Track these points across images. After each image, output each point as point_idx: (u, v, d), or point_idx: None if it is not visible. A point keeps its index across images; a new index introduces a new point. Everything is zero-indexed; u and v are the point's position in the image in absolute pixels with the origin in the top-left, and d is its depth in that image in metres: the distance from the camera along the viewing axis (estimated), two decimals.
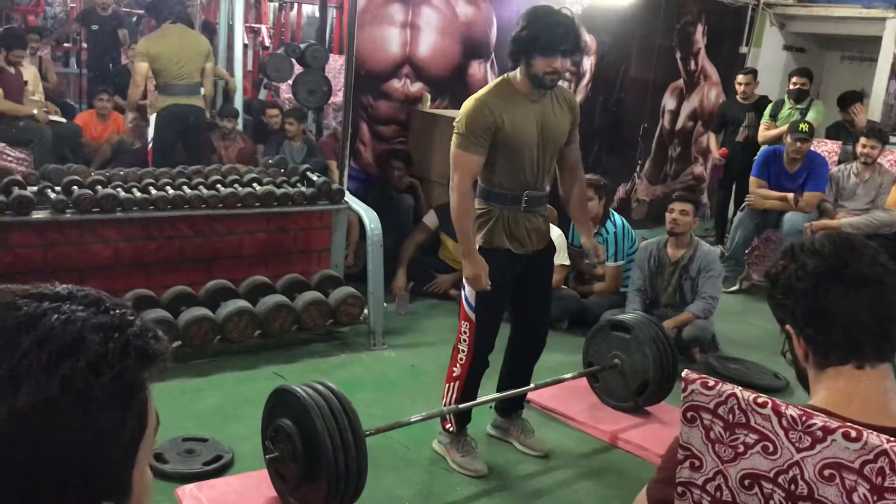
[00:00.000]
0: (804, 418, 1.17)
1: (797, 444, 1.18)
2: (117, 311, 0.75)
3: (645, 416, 3.94)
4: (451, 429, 3.45)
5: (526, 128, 3.17)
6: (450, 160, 3.20)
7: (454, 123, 3.20)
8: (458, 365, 3.38)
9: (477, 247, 3.24)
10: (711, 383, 1.27)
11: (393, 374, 4.36)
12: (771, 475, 1.21)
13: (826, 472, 1.15)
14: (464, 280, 3.33)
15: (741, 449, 1.24)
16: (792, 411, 1.19)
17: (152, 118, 5.78)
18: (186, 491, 3.02)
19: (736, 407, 1.24)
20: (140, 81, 5.74)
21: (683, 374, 1.31)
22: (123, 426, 0.72)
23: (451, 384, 3.40)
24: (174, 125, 5.69)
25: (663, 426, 3.83)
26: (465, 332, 3.33)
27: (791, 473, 1.19)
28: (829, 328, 1.28)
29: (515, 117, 3.14)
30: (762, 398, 1.22)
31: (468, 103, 3.18)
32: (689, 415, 1.30)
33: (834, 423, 1.14)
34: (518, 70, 3.17)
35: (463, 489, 3.29)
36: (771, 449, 1.21)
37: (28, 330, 0.70)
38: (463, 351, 3.35)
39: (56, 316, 0.71)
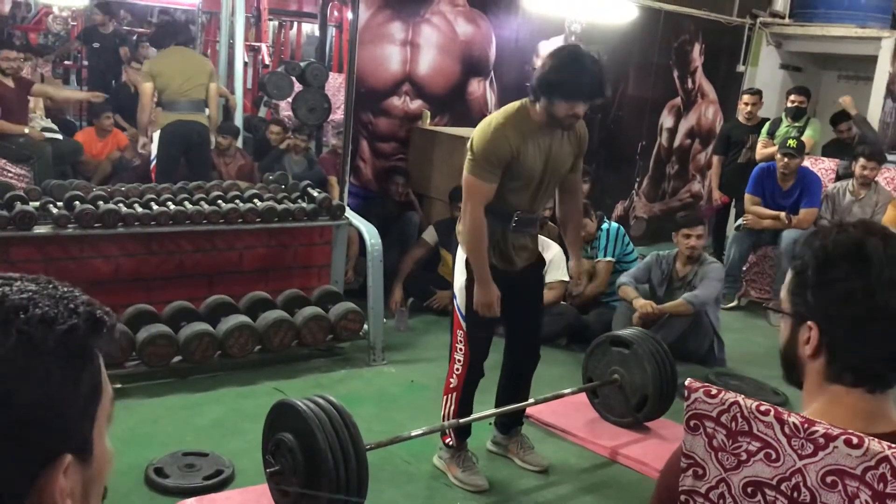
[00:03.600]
0: (806, 425, 1.18)
1: (799, 452, 1.19)
2: (66, 289, 0.80)
3: (645, 432, 3.94)
4: (451, 443, 3.45)
5: (535, 160, 3.17)
6: (462, 184, 3.18)
7: (469, 147, 3.16)
8: (454, 376, 3.39)
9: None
10: (714, 391, 1.28)
11: (393, 389, 4.36)
12: (773, 482, 1.22)
13: (828, 479, 1.16)
14: (455, 290, 3.36)
15: (744, 457, 1.25)
16: (794, 419, 1.20)
17: (155, 135, 5.80)
18: None
19: (738, 415, 1.25)
20: (146, 102, 5.76)
21: (687, 382, 1.32)
22: (78, 382, 0.75)
23: (449, 396, 3.41)
24: (177, 142, 5.70)
25: (663, 441, 3.84)
26: (460, 341, 3.36)
27: (794, 480, 1.20)
28: (866, 355, 1.24)
29: (528, 149, 3.14)
30: (764, 406, 1.23)
31: (486, 130, 3.13)
32: (692, 423, 1.30)
33: (836, 430, 1.16)
34: (538, 103, 3.13)
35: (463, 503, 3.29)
36: (773, 456, 1.22)
37: None
38: (459, 360, 3.37)
39: (8, 287, 0.76)
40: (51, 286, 0.79)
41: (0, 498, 0.71)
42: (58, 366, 0.73)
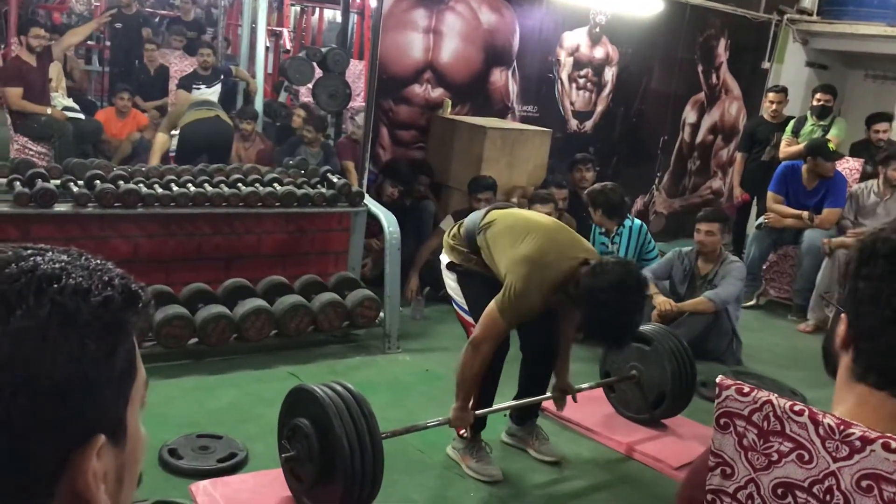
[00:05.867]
0: (842, 427, 1.15)
1: (834, 454, 1.15)
2: (98, 261, 0.76)
3: (661, 429, 3.91)
4: (465, 434, 3.43)
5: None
6: (486, 315, 3.11)
7: (512, 283, 3.04)
8: None
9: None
10: (746, 389, 1.25)
11: (407, 377, 4.35)
12: (805, 485, 1.19)
13: (863, 483, 1.13)
14: (450, 294, 3.42)
15: (775, 457, 1.22)
16: (829, 420, 1.16)
17: (176, 132, 5.80)
18: (201, 487, 3.01)
19: (771, 414, 1.22)
20: (158, 150, 5.81)
21: (718, 379, 1.28)
22: (113, 357, 0.72)
23: None
24: (198, 141, 5.64)
25: (679, 439, 3.81)
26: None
27: (826, 483, 1.17)
28: (887, 357, 1.20)
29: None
30: (798, 406, 1.19)
31: (533, 281, 3.03)
32: (722, 421, 1.27)
33: (873, 434, 1.12)
34: (575, 290, 3.03)
35: (476, 494, 3.27)
36: (806, 458, 1.18)
37: (14, 263, 0.71)
38: None
39: (40, 257, 0.73)
40: (83, 258, 0.75)
41: (32, 479, 0.68)
42: (92, 339, 0.70)
